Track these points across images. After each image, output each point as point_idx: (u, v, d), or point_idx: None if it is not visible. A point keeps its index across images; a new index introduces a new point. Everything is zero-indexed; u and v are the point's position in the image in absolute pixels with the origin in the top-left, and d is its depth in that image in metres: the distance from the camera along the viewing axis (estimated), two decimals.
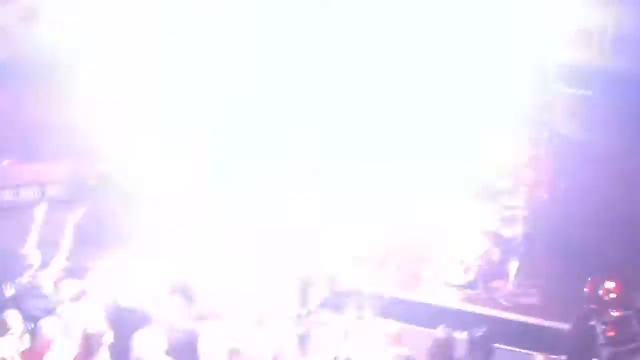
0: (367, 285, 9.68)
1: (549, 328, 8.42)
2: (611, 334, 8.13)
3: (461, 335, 6.89)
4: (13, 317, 6.44)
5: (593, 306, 8.52)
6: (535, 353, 7.24)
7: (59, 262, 7.66)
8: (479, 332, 6.87)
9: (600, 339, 7.99)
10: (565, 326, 8.25)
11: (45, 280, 7.31)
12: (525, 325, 8.59)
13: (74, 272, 7.96)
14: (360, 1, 10.50)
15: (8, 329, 6.33)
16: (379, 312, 9.03)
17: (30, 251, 7.49)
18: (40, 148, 11.10)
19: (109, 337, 6.58)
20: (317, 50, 10.63)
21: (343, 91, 10.65)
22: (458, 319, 8.56)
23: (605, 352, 7.82)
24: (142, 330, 6.48)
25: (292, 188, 10.21)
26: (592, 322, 8.13)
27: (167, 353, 6.47)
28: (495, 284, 9.43)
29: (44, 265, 7.53)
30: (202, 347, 6.92)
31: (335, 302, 9.32)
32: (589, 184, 9.59)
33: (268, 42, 10.75)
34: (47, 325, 6.44)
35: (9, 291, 7.20)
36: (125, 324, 6.90)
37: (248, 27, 10.77)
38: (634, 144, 9.18)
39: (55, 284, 7.51)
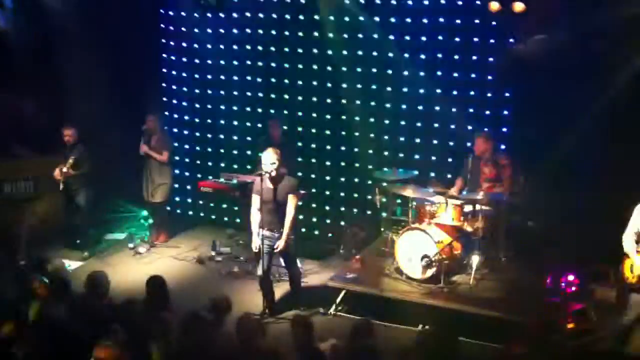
0: (331, 282, 9.69)
1: (510, 321, 8.43)
2: (571, 326, 8.26)
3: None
4: None
5: (553, 299, 8.68)
6: (496, 345, 7.31)
7: None
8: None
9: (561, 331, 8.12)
10: (526, 319, 8.29)
11: None
12: (488, 318, 8.60)
13: None
14: None
15: None
16: (345, 309, 9.08)
17: None
18: None
19: None
20: None
21: None
22: (420, 313, 8.66)
23: (565, 344, 7.93)
24: None
25: None
26: (552, 316, 8.26)
27: None
28: (457, 278, 9.45)
29: None
30: None
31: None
32: (546, 178, 9.74)
33: None
34: None
35: None
36: None
37: None
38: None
39: None
